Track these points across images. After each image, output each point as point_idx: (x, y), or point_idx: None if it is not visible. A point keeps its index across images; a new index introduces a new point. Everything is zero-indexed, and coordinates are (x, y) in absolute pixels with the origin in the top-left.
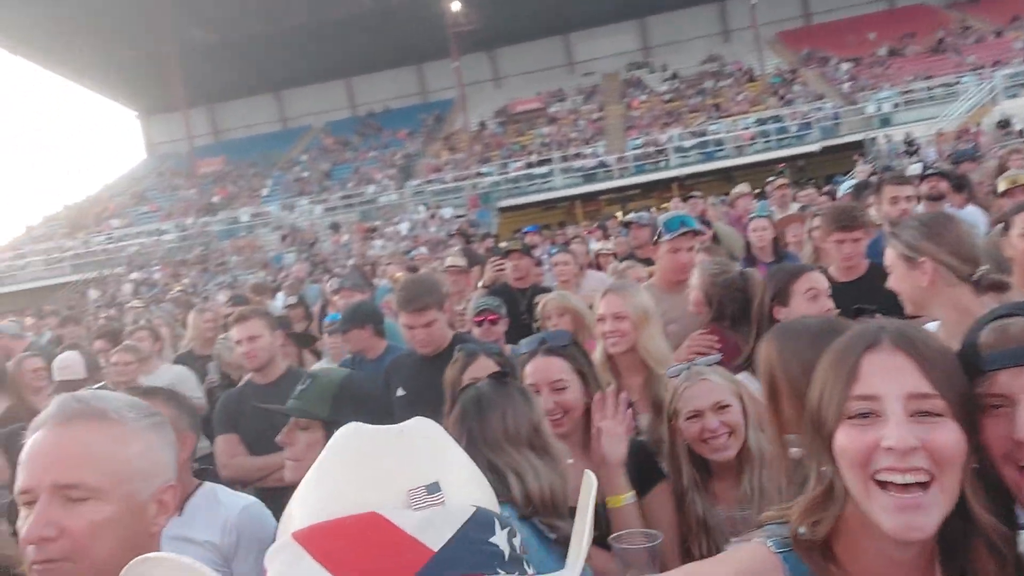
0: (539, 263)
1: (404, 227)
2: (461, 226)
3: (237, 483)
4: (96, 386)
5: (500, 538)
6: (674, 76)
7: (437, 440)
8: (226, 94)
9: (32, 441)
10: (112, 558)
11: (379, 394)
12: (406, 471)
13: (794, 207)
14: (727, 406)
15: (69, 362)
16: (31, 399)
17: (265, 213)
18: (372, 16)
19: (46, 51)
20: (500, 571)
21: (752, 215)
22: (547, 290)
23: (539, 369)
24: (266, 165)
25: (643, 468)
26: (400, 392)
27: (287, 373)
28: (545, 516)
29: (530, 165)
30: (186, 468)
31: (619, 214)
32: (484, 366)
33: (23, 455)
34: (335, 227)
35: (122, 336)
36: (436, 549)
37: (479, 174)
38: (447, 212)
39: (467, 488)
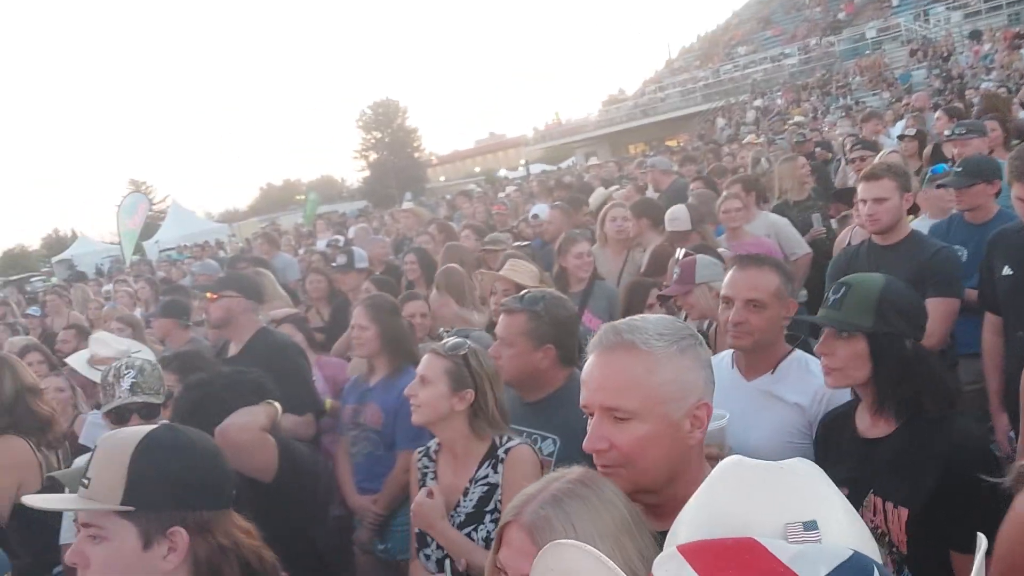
0: None
1: None
2: None
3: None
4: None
5: None
6: None
7: (817, 480)
8: None
9: (587, 365)
10: (657, 465)
11: (919, 302)
12: (785, 505)
13: None
14: None
15: (678, 215)
16: None
17: (895, 26)
18: None
19: None
20: None
21: None
22: None
23: None
24: None
25: None
26: (1006, 271)
27: (908, 237)
28: None
29: None
30: (781, 331)
31: None
32: None
33: (583, 376)
34: (975, 35)
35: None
36: None
37: None
38: None
39: (845, 531)
